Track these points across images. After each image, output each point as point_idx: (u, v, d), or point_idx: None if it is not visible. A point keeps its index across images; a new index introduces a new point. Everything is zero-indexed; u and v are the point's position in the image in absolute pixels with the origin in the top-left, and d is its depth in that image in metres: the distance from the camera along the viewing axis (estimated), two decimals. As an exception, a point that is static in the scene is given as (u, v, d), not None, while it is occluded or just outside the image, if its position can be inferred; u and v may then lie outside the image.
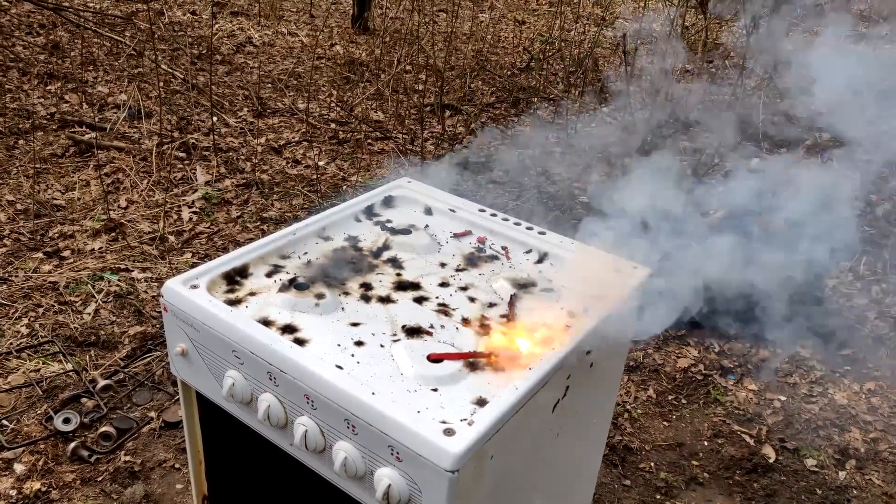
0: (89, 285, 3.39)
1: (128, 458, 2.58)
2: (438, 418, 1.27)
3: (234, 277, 1.69)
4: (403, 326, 1.54)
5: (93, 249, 3.67)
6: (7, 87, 5.16)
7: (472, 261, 1.83)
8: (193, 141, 4.76)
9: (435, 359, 1.43)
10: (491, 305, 1.65)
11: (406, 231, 1.93)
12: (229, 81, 5.80)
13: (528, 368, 1.40)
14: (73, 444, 2.56)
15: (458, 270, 1.79)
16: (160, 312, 3.22)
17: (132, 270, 3.55)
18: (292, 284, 1.65)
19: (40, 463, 2.51)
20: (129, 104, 5.07)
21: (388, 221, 1.99)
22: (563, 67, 6.81)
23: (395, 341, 1.49)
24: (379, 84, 6.10)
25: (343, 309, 1.60)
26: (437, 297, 1.66)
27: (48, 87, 5.27)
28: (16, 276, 3.42)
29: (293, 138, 5.11)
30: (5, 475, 2.46)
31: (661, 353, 3.31)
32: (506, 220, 2.00)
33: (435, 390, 1.36)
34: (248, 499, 1.80)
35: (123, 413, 2.76)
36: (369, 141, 5.22)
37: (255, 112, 5.38)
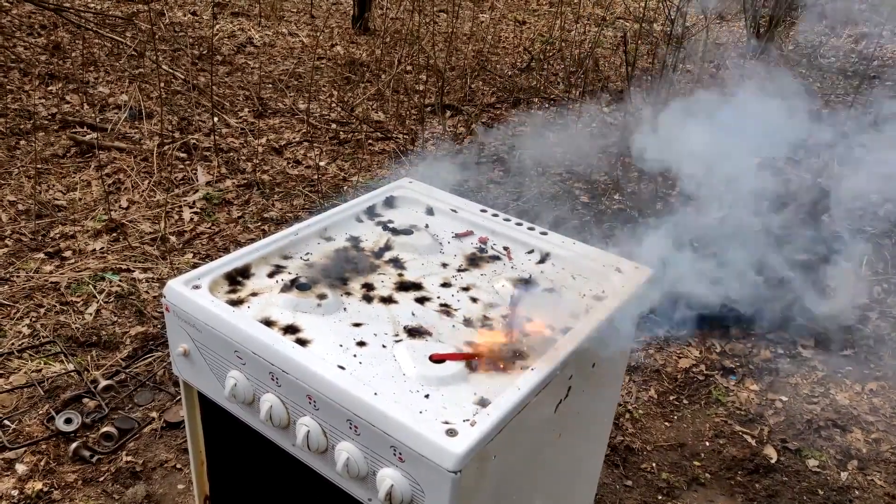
0: (91, 285, 3.39)
1: (129, 458, 2.58)
2: (441, 419, 1.27)
3: (236, 278, 1.69)
4: (405, 327, 1.54)
5: (94, 250, 3.68)
6: (8, 87, 5.16)
7: (473, 261, 1.83)
8: (194, 141, 4.76)
9: (437, 359, 1.43)
10: (493, 306, 1.65)
11: (408, 231, 1.93)
12: (230, 82, 5.81)
13: (531, 369, 1.40)
14: (74, 445, 2.57)
15: (459, 271, 1.79)
16: (161, 313, 3.23)
17: (133, 271, 3.55)
18: (294, 285, 1.65)
19: (42, 463, 2.51)
20: (130, 105, 5.07)
21: (390, 222, 1.99)
22: (564, 68, 6.81)
23: (397, 342, 1.49)
24: (379, 84, 6.10)
25: (345, 309, 1.60)
26: (438, 298, 1.66)
27: (49, 88, 5.27)
28: (17, 277, 3.42)
29: (294, 139, 5.11)
30: (7, 475, 2.46)
31: (662, 353, 3.31)
32: (507, 220, 2.00)
33: (437, 391, 1.36)
34: (249, 499, 1.80)
35: (125, 413, 2.76)
36: (370, 141, 5.22)
37: (255, 112, 5.38)
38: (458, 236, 1.95)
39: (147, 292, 3.39)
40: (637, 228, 1.82)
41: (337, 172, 4.74)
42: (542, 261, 1.85)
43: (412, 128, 5.44)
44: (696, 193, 1.74)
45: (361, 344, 1.48)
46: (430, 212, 2.07)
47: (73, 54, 5.83)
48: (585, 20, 8.25)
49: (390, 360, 1.44)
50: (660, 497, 2.61)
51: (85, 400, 2.78)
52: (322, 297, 1.60)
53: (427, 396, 1.34)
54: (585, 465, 1.99)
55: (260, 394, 1.46)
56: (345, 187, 4.55)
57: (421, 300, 1.65)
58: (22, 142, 4.57)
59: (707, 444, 2.86)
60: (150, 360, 3.02)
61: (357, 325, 1.55)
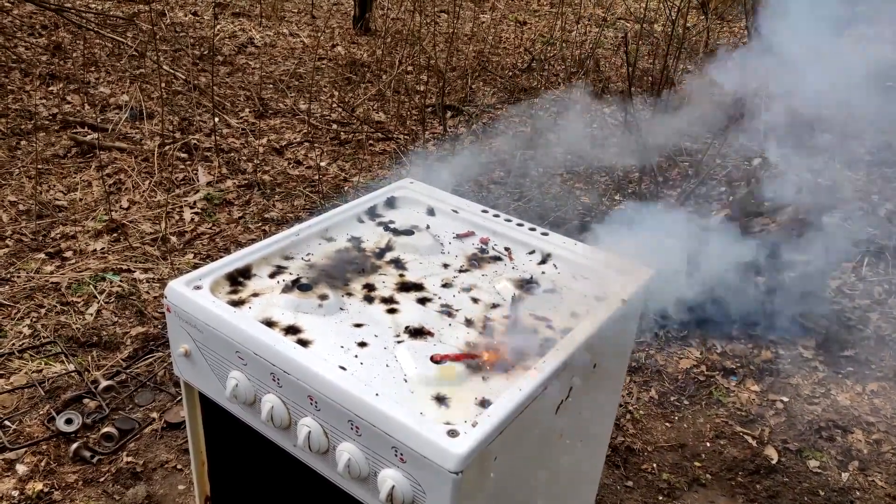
0: (91, 286, 3.39)
1: (130, 458, 2.58)
2: (442, 419, 1.27)
3: (238, 278, 1.69)
4: (406, 327, 1.54)
5: (95, 250, 3.68)
6: (9, 87, 5.17)
7: (475, 262, 1.83)
8: (195, 141, 4.76)
9: (438, 360, 1.43)
10: (494, 306, 1.65)
11: (409, 232, 1.93)
12: (231, 82, 5.81)
13: (532, 370, 1.40)
14: (75, 445, 2.57)
15: (461, 271, 1.79)
16: (162, 313, 3.23)
17: (134, 271, 3.55)
18: (295, 285, 1.65)
19: (42, 464, 2.51)
20: (130, 105, 5.08)
21: (391, 222, 1.99)
22: (565, 68, 6.81)
23: (398, 342, 1.49)
24: (380, 85, 6.10)
25: (346, 310, 1.60)
26: (440, 298, 1.66)
27: (50, 88, 5.27)
28: (18, 277, 3.42)
29: (295, 139, 5.11)
30: (8, 476, 2.46)
31: (663, 353, 3.31)
32: (508, 220, 2.00)
33: (438, 391, 1.36)
34: (250, 500, 1.80)
35: (125, 414, 2.76)
36: (371, 142, 5.22)
37: (256, 113, 5.38)
38: (459, 237, 1.95)
39: (148, 293, 3.39)
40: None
41: (338, 173, 4.75)
42: (543, 261, 1.85)
43: (413, 128, 5.44)
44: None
45: (362, 344, 1.48)
46: (431, 212, 2.07)
47: (74, 54, 5.83)
48: (586, 21, 8.25)
49: (391, 360, 1.44)
50: (660, 498, 2.61)
51: (85, 400, 2.78)
52: (323, 297, 1.60)
53: (428, 397, 1.34)
54: (586, 466, 1.99)
55: (261, 394, 1.46)
56: (345, 188, 4.55)
57: (422, 301, 1.65)
58: (23, 142, 4.57)
59: (708, 444, 2.85)
60: (150, 360, 3.02)
61: (358, 325, 1.55)
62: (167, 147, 4.64)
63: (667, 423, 2.95)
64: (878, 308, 3.61)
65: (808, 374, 3.22)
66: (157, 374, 2.94)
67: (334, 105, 5.71)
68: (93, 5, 6.89)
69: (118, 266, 3.56)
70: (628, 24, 8.61)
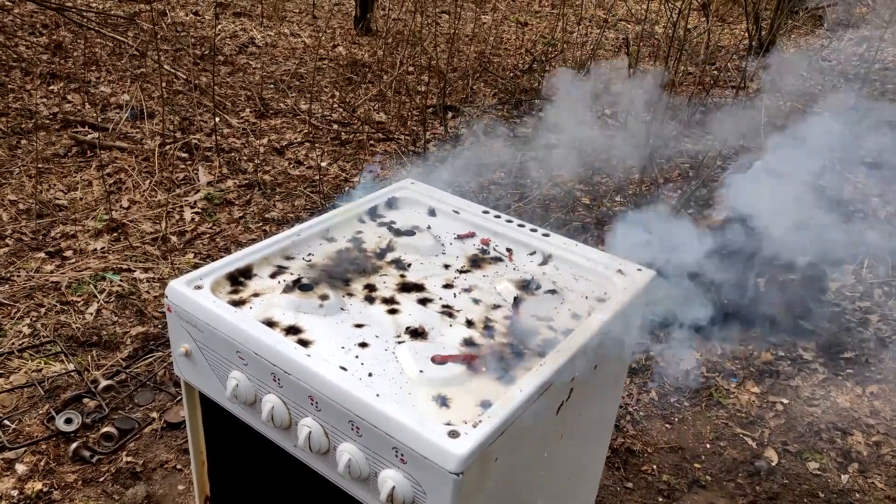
0: (91, 285, 3.39)
1: (129, 458, 2.58)
2: (443, 420, 1.27)
3: (238, 278, 1.69)
4: (407, 328, 1.54)
5: (95, 249, 3.68)
6: (10, 86, 5.16)
7: (475, 262, 1.83)
8: (196, 141, 4.76)
9: (439, 361, 1.43)
10: (495, 307, 1.65)
11: (410, 232, 1.93)
12: (232, 82, 5.81)
13: (533, 371, 1.40)
14: (74, 445, 2.56)
15: (461, 272, 1.78)
16: (162, 313, 3.23)
17: (134, 271, 3.55)
18: (296, 285, 1.65)
19: (42, 463, 2.51)
20: (131, 104, 5.08)
21: (392, 223, 1.99)
22: (566, 69, 6.81)
23: (399, 343, 1.49)
24: (381, 85, 6.10)
25: (347, 310, 1.60)
26: (441, 299, 1.66)
27: (51, 88, 5.27)
28: (18, 276, 3.42)
29: (295, 139, 5.11)
30: (7, 475, 2.46)
31: (663, 355, 3.31)
32: (509, 221, 2.00)
33: (439, 392, 1.36)
34: (250, 500, 1.80)
35: (125, 413, 2.76)
36: (371, 142, 5.22)
37: (257, 113, 5.38)
38: (460, 238, 1.95)
39: (148, 292, 3.39)
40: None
41: (338, 173, 4.74)
42: (544, 262, 1.85)
43: (414, 129, 5.44)
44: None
45: (363, 345, 1.48)
46: (432, 213, 2.07)
47: (75, 54, 5.83)
48: (587, 22, 8.25)
49: (392, 361, 1.44)
50: (660, 499, 2.61)
51: (85, 400, 2.78)
52: (324, 297, 1.60)
53: (429, 398, 1.34)
54: (586, 467, 1.99)
55: (262, 394, 1.46)
56: (346, 188, 4.55)
57: (423, 301, 1.65)
58: (23, 141, 4.57)
59: (708, 446, 2.85)
60: (150, 360, 3.02)
61: (359, 326, 1.55)
62: (168, 147, 4.63)
63: (667, 425, 2.95)
64: (878, 310, 3.61)
65: (808, 376, 3.22)
66: (157, 374, 2.94)
67: (335, 105, 5.71)
68: (94, 4, 6.89)
69: (118, 265, 3.56)
70: (629, 26, 8.61)
